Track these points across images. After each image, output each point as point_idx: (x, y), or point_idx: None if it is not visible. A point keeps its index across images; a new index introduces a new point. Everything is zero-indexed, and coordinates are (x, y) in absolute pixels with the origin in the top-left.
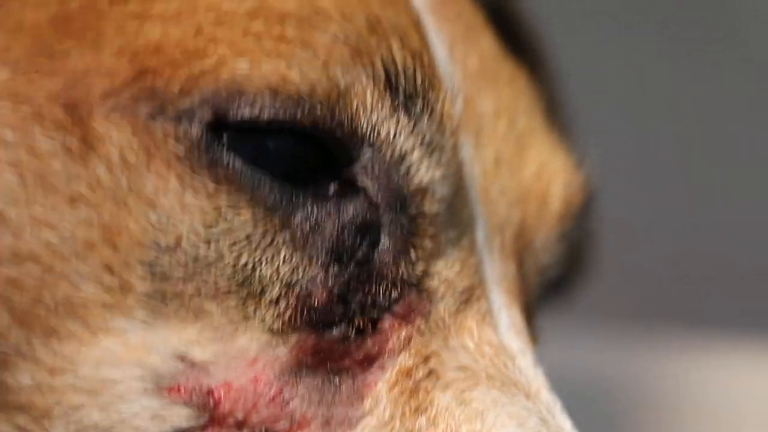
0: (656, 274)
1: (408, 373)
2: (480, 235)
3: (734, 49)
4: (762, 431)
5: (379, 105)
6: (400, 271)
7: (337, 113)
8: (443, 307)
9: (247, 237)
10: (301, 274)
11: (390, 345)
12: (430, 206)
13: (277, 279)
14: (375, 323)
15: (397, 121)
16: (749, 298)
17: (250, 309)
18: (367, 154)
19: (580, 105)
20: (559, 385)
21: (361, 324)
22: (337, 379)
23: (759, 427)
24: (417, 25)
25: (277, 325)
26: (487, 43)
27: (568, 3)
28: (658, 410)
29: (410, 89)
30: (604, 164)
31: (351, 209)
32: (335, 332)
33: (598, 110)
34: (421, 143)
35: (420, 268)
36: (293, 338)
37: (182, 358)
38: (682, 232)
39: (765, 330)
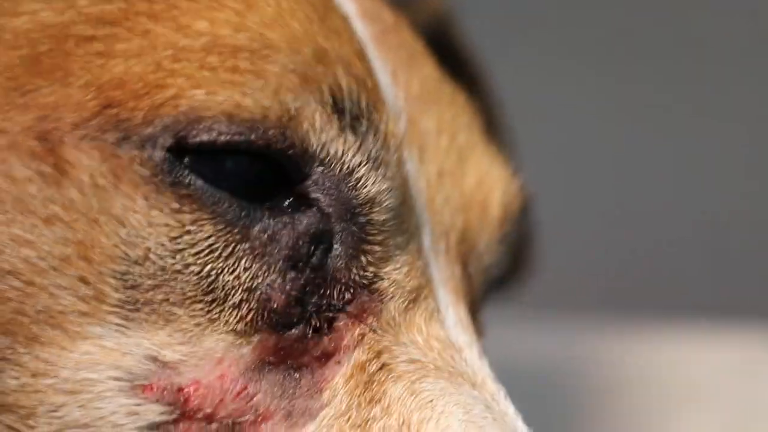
0: (595, 266)
1: (362, 367)
2: (426, 240)
3: (664, 63)
4: (703, 412)
5: (328, 126)
6: (353, 275)
7: (288, 135)
8: (393, 306)
9: (210, 248)
10: (260, 280)
11: (345, 342)
12: (378, 215)
13: (239, 285)
14: (331, 323)
15: (345, 141)
16: (685, 284)
17: (215, 313)
18: (318, 170)
19: (514, 119)
20: (506, 374)
21: (318, 324)
22: (297, 374)
23: (700, 408)
24: (361, 53)
25: (241, 326)
26: (427, 68)
27: (501, 27)
28: (603, 395)
29: (356, 111)
30: (541, 165)
31: (305, 220)
32: (294, 332)
33: (532, 122)
34: (368, 159)
35: (371, 271)
36: (255, 338)
37: (154, 359)
38: (617, 225)
39: (702, 313)
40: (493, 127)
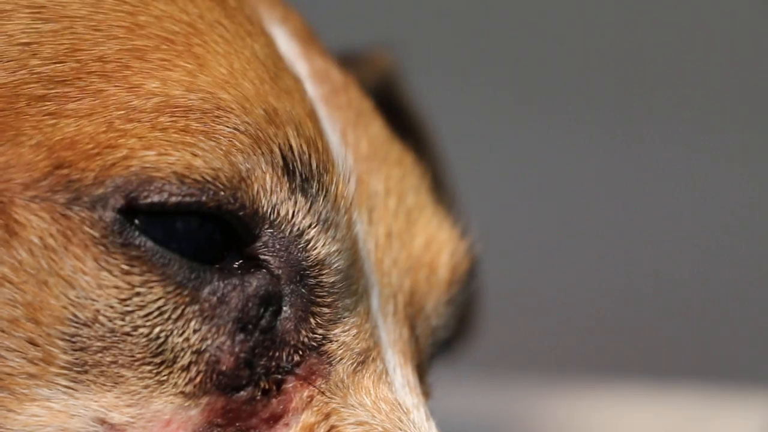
0: (538, 326)
1: (311, 429)
2: (375, 302)
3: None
4: None
5: (278, 188)
6: (301, 337)
7: (239, 196)
8: (342, 368)
9: (159, 310)
10: (209, 342)
11: (293, 404)
12: (328, 277)
13: (188, 347)
14: (279, 384)
15: (295, 202)
16: (624, 347)
17: (164, 375)
18: (267, 232)
19: (460, 178)
20: (455, 429)
21: (267, 386)
22: None
23: None
24: (311, 113)
25: (189, 388)
26: (376, 127)
27: (449, 85)
28: None
29: (306, 173)
30: (487, 229)
31: (254, 282)
32: (243, 394)
33: (479, 181)
34: (318, 221)
35: (319, 333)
36: (204, 400)
37: (102, 422)
38: (562, 286)
39: (638, 375)
40: (440, 187)
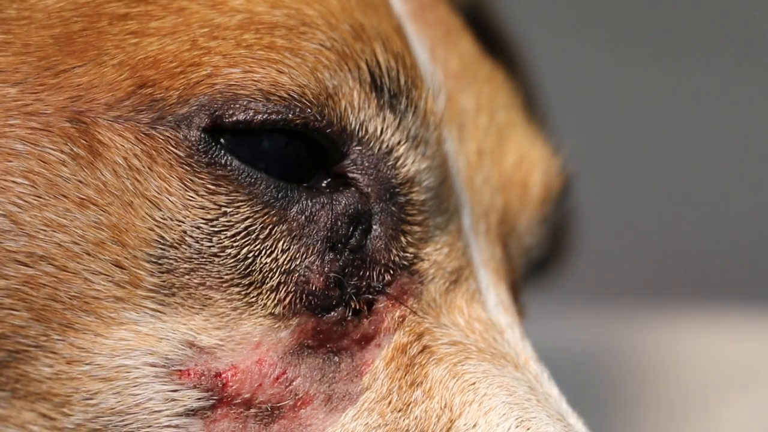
0: (636, 252)
1: (403, 349)
2: (466, 220)
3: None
4: (742, 397)
5: (366, 104)
6: (392, 256)
7: (326, 113)
8: (434, 288)
9: (247, 230)
10: (298, 262)
11: (385, 324)
12: (418, 195)
13: (276, 267)
14: (370, 305)
15: (384, 119)
16: (724, 271)
17: (253, 296)
18: (356, 149)
19: (554, 97)
20: (548, 355)
21: (358, 306)
22: (336, 358)
23: (739, 394)
24: (399, 30)
25: (279, 310)
26: (465, 44)
27: (539, 3)
28: (642, 380)
29: (394, 89)
30: (581, 150)
31: (343, 201)
32: (333, 314)
33: (573, 101)
34: (407, 138)
35: (410, 252)
36: (294, 322)
37: (191, 345)
38: (655, 212)
39: (744, 300)
40: (532, 105)
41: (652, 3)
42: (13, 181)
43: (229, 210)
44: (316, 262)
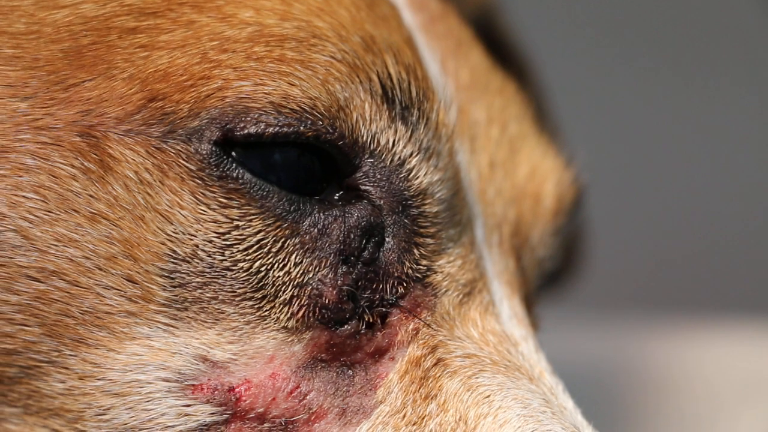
0: (644, 265)
1: (417, 362)
2: (479, 232)
3: (706, 59)
4: (753, 410)
5: (378, 116)
6: (405, 268)
7: (338, 125)
8: (447, 300)
9: (259, 243)
10: (311, 275)
11: (399, 337)
12: (431, 207)
13: (289, 281)
14: (384, 318)
15: (395, 131)
16: (730, 287)
17: (266, 310)
18: (368, 162)
19: (565, 109)
20: (560, 368)
21: (371, 319)
22: (350, 371)
23: (750, 407)
24: (410, 42)
25: (292, 323)
26: (476, 56)
27: (548, 15)
28: (654, 392)
29: (406, 100)
30: (592, 163)
31: (356, 213)
32: (347, 327)
33: (583, 113)
34: (419, 150)
35: (424, 264)
36: (307, 335)
37: (204, 359)
38: (667, 224)
39: (745, 314)
40: (543, 117)
41: (663, 16)
42: (24, 196)
43: (241, 223)
44: (329, 275)
